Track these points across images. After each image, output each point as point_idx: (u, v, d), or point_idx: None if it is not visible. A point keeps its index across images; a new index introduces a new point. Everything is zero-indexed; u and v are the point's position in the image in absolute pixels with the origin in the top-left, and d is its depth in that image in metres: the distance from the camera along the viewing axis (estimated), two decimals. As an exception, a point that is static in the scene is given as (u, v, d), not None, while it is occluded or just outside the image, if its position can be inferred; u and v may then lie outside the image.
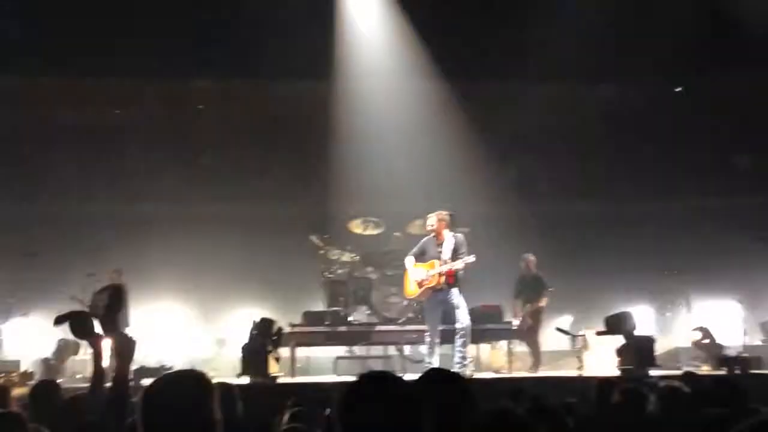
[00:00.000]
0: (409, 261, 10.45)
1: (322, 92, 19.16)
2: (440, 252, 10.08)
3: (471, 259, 10.06)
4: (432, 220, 10.32)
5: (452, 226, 10.33)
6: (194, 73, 20.67)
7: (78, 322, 4.37)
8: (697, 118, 19.56)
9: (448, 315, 10.08)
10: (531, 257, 12.90)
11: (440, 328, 10.19)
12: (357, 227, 12.78)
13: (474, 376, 9.93)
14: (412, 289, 10.42)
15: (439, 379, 3.31)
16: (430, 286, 10.09)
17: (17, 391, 7.21)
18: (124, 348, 3.76)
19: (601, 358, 11.68)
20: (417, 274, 10.27)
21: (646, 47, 17.20)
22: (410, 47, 21.21)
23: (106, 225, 17.93)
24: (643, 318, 15.78)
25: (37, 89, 18.58)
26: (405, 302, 11.82)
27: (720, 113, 18.99)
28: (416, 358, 12.30)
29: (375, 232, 12.87)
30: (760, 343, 14.58)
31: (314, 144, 20.38)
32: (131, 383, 9.27)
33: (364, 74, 19.82)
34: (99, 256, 14.85)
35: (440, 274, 10.04)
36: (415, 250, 10.54)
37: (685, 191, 20.42)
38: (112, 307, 4.28)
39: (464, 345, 9.95)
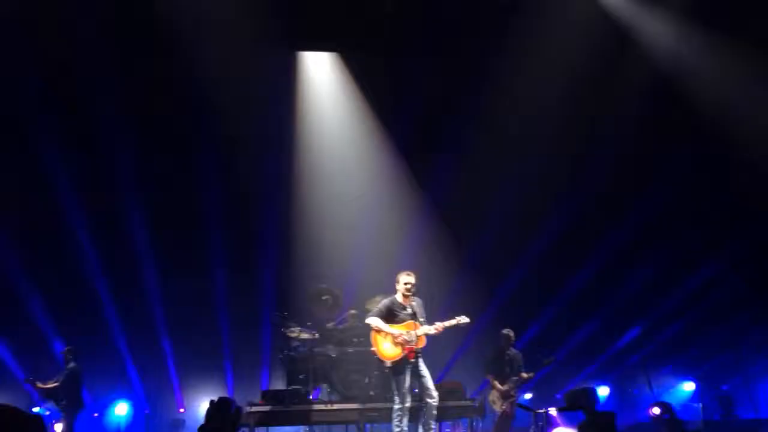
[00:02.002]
0: (377, 321, 9.62)
1: (282, 167, 19.25)
2: (411, 314, 9.52)
3: (466, 319, 9.61)
4: (413, 278, 9.66)
5: None
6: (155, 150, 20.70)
7: None
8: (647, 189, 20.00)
9: (419, 387, 9.44)
10: (511, 333, 12.76)
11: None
12: (315, 303, 12.65)
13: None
14: (391, 351, 9.51)
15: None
16: (416, 348, 9.40)
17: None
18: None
19: (563, 435, 11.63)
20: (396, 335, 9.48)
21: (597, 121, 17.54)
22: (369, 123, 21.50)
23: (55, 302, 17.64)
24: (604, 394, 15.83)
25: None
26: (366, 380, 11.66)
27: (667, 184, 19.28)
28: (377, 437, 12.12)
29: (334, 308, 12.75)
30: (718, 418, 14.65)
31: (271, 220, 20.39)
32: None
33: (325, 149, 19.98)
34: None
35: (426, 336, 9.43)
36: (379, 311, 9.75)
37: (642, 266, 20.67)
38: None
39: (435, 420, 9.68)
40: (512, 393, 12.28)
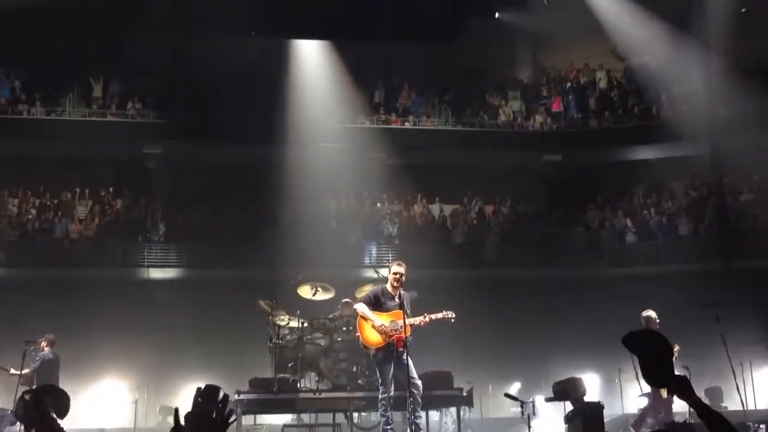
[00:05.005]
0: (363, 308, 9.54)
1: (273, 157, 19.24)
2: (398, 304, 9.34)
3: (452, 314, 9.58)
4: (403, 269, 9.56)
5: None
6: (146, 137, 20.68)
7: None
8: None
9: (403, 376, 9.25)
10: (654, 314, 11.89)
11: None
12: (305, 292, 12.59)
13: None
14: (374, 339, 9.43)
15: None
16: (400, 337, 9.25)
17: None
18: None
19: (550, 425, 11.64)
20: (381, 322, 9.42)
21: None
22: (357, 115, 21.54)
23: (45, 289, 17.57)
24: (591, 384, 15.82)
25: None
26: (355, 368, 11.63)
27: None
28: (366, 426, 12.10)
29: (324, 297, 12.69)
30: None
31: (263, 209, 20.41)
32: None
33: (313, 140, 19.99)
34: (37, 322, 14.47)
35: (412, 326, 9.32)
36: (366, 297, 9.74)
37: (630, 258, 20.74)
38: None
39: (420, 409, 9.61)
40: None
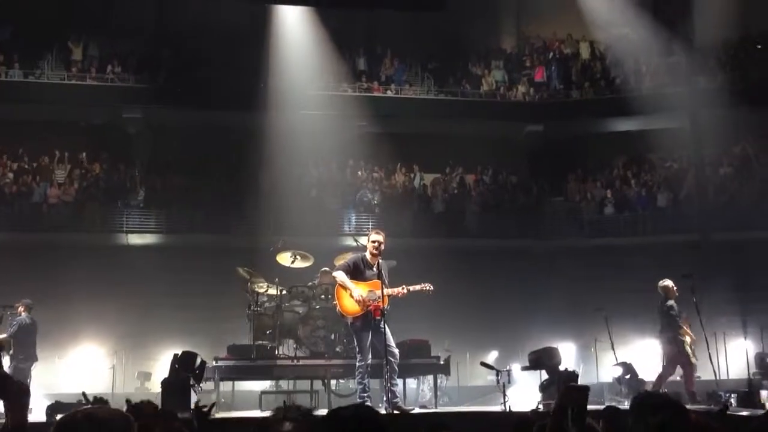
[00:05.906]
0: (342, 276, 9.46)
1: (254, 123, 19.14)
2: (376, 273, 9.33)
3: (430, 286, 9.54)
4: (381, 237, 9.51)
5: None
6: (126, 102, 20.51)
7: None
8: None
9: (380, 345, 9.26)
10: (669, 284, 12.03)
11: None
12: (284, 259, 12.59)
13: (413, 411, 9.75)
14: (352, 308, 9.37)
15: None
16: (377, 305, 9.21)
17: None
18: (16, 399, 3.59)
19: (526, 393, 11.76)
20: (359, 292, 9.34)
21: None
22: (339, 83, 21.43)
23: (23, 254, 17.48)
24: (567, 354, 15.97)
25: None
26: (333, 336, 11.68)
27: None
28: (343, 393, 12.17)
29: (303, 265, 12.70)
30: (678, 378, 14.81)
31: (243, 175, 20.34)
32: (47, 419, 8.97)
33: (295, 107, 19.89)
34: (14, 286, 14.39)
35: (389, 296, 9.30)
36: (345, 265, 9.66)
37: (609, 229, 20.87)
38: None
39: (397, 377, 9.66)
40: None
